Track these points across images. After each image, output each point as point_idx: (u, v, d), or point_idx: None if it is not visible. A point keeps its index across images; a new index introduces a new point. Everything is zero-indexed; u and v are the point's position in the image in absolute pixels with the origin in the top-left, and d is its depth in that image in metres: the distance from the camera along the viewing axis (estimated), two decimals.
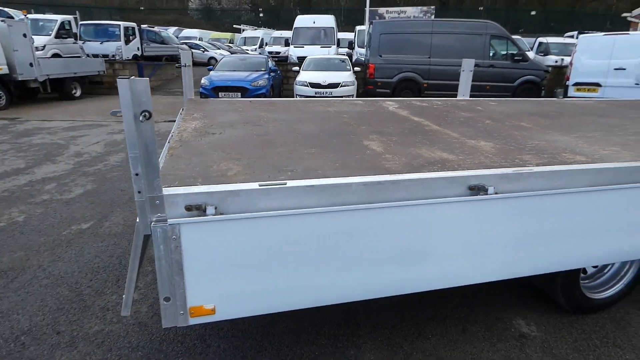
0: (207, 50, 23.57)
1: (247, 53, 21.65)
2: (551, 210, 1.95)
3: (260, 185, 1.61)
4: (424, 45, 12.04)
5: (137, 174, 1.46)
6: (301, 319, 2.72)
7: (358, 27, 20.06)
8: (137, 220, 1.53)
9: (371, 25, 12.84)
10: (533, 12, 25.92)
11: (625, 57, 9.63)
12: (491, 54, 12.12)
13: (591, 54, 10.12)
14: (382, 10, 27.59)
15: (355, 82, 10.94)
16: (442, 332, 2.63)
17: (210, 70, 12.10)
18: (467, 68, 4.66)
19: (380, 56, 12.08)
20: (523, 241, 1.98)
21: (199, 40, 26.49)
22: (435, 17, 25.13)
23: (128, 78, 1.35)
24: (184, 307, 1.64)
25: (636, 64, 9.47)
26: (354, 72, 11.66)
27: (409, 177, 1.77)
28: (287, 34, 20.15)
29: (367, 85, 12.40)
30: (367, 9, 21.14)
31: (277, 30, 28.35)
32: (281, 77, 13.91)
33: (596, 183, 1.98)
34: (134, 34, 18.06)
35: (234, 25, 36.45)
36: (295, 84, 11.09)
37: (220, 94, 10.14)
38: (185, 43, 23.18)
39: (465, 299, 2.95)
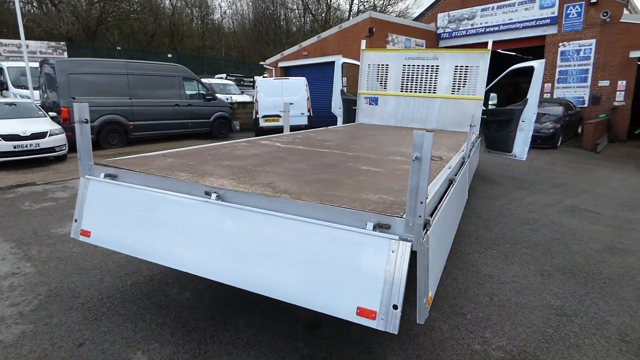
0: None
1: None
2: None
3: None
4: (121, 86, 11.42)
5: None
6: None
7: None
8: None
9: (46, 66, 10.78)
10: (170, 55, 28.52)
11: (292, 94, 13.15)
12: (188, 94, 13.07)
13: (268, 92, 13.08)
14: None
15: (63, 130, 9.05)
16: None
17: None
18: (286, 109, 5.54)
19: (74, 98, 10.45)
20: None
21: None
22: (67, 53, 23.03)
23: None
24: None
25: (301, 98, 13.16)
26: (51, 117, 9.55)
27: None
28: None
29: (66, 132, 10.39)
30: None
31: None
32: None
33: None
34: None
35: None
36: None
37: None
38: None
39: None
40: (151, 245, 2.47)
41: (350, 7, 36.19)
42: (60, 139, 8.70)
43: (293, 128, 13.37)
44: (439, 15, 17.89)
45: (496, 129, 7.61)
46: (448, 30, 17.74)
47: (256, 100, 13.16)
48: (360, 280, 1.94)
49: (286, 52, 18.45)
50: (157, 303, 3.10)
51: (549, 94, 15.30)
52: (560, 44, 14.88)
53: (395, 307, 1.85)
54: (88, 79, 10.80)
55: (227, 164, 3.05)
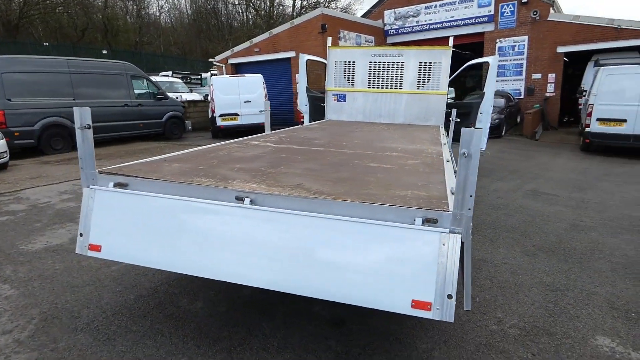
0: None
1: None
2: None
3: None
4: (64, 86, 10.55)
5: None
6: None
7: None
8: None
9: None
10: (104, 52, 26.75)
11: (249, 92, 12.91)
12: (137, 94, 12.35)
13: (225, 90, 12.74)
14: None
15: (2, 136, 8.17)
16: None
17: None
18: (267, 107, 5.46)
19: (9, 100, 9.49)
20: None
21: None
22: None
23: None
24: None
25: (258, 95, 12.95)
26: None
27: None
28: None
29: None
30: None
31: None
32: None
33: None
34: None
35: None
36: None
37: None
38: None
39: None
40: (179, 255, 2.36)
41: (294, 2, 36.09)
42: (1, 145, 7.86)
43: (252, 126, 13.26)
44: (386, 12, 18.42)
45: (457, 121, 8.04)
46: (395, 27, 18.34)
47: (212, 98, 12.78)
48: (412, 274, 2.01)
49: (237, 49, 18.02)
50: (170, 315, 2.96)
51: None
52: (497, 40, 15.99)
53: (449, 296, 1.94)
54: (25, 78, 9.85)
55: (239, 167, 2.97)
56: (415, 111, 7.43)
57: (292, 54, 16.16)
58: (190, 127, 15.65)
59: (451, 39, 7.27)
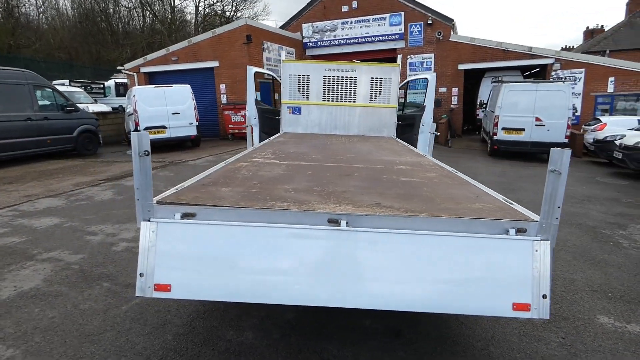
0: None
1: None
2: None
3: None
4: None
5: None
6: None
7: None
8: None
9: None
10: None
11: (177, 103, 12.17)
12: (41, 106, 10.79)
13: (150, 102, 11.83)
14: None
15: None
16: None
17: None
18: (249, 123, 5.27)
19: None
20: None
21: None
22: None
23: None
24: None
25: (187, 107, 12.27)
26: None
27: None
28: None
29: None
30: None
31: None
32: None
33: None
34: None
35: None
36: None
37: None
38: None
39: None
40: (273, 285, 2.24)
41: (197, 9, 34.89)
42: None
43: (181, 139, 12.49)
44: (304, 25, 18.92)
45: (401, 132, 8.69)
46: (313, 40, 18.93)
47: (135, 110, 11.73)
48: (511, 280, 2.23)
49: (150, 57, 16.80)
50: (227, 350, 2.75)
51: (402, 99, 17.85)
52: (409, 57, 17.55)
53: (544, 296, 2.20)
54: None
55: (291, 187, 2.90)
56: (368, 123, 7.85)
57: (215, 64, 15.67)
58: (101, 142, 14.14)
59: (399, 58, 7.85)
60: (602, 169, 10.63)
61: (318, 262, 2.26)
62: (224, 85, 15.83)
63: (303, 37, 19.01)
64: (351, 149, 5.39)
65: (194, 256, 2.29)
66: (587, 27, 33.73)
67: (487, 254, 2.24)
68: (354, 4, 17.77)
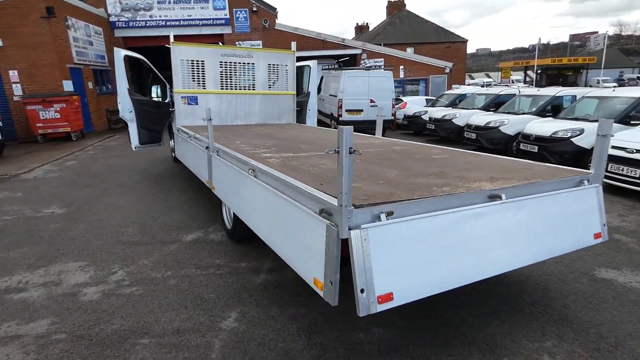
0: None
1: None
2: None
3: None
4: None
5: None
6: None
7: None
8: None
9: None
10: None
11: None
12: None
13: None
14: None
15: None
16: None
17: None
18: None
19: None
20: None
21: None
22: None
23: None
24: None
25: None
26: None
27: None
28: None
29: None
30: None
31: None
32: None
33: None
34: None
35: None
36: None
37: None
38: None
39: None
40: (469, 266, 2.35)
41: None
42: None
43: None
44: (108, 0, 16.10)
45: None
46: (123, 19, 16.37)
47: None
48: (589, 217, 2.97)
49: None
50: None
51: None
52: (237, 43, 17.35)
53: (604, 225, 3.04)
54: None
55: (365, 177, 2.86)
56: (269, 111, 7.69)
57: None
58: None
59: (293, 45, 7.93)
60: (415, 138, 13.44)
61: (494, 234, 2.48)
62: (14, 71, 12.11)
63: (109, 15, 16.17)
64: (296, 137, 5.34)
65: (406, 255, 2.16)
66: (357, 24, 40.50)
67: (574, 202, 2.91)
68: None
